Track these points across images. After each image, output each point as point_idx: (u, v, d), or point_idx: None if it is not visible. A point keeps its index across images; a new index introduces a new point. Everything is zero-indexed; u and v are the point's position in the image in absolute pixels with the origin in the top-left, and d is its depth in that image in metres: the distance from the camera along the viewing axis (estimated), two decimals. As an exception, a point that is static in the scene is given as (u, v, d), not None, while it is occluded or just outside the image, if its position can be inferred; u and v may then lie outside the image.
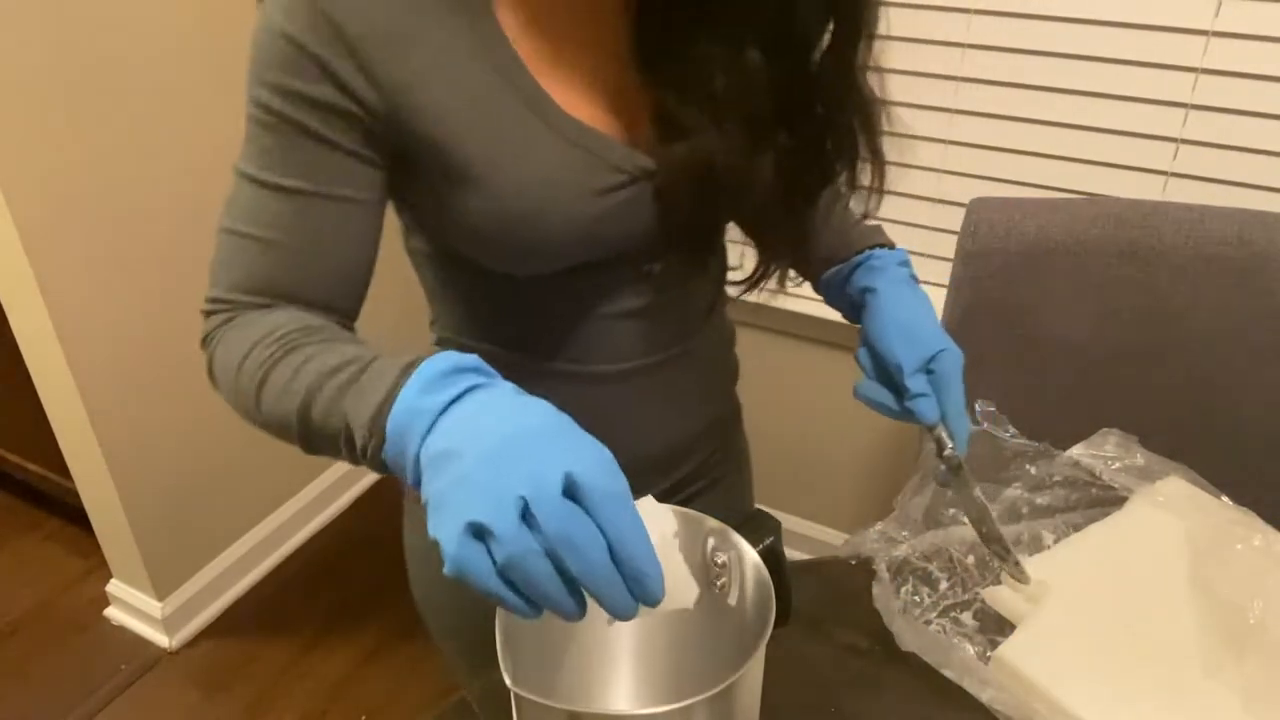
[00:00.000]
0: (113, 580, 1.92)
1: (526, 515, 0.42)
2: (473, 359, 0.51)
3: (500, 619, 0.54)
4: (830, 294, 0.86)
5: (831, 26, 0.63)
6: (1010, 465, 0.88)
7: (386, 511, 2.29)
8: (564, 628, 0.64)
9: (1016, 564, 0.77)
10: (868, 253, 0.82)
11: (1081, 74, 1.36)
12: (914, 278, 0.81)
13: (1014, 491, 0.86)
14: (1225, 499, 0.85)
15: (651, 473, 0.83)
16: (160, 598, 1.85)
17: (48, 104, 1.44)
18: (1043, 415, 0.91)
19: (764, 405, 1.87)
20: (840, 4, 0.62)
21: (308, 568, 2.06)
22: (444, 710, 0.75)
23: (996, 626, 0.77)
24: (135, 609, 1.89)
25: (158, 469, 1.77)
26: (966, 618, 0.78)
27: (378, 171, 0.63)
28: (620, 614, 0.45)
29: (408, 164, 0.63)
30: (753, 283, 0.76)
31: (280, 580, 2.03)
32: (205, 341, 0.64)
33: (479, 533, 0.42)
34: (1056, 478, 0.87)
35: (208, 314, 0.64)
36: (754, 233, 0.74)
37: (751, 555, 0.58)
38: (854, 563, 0.82)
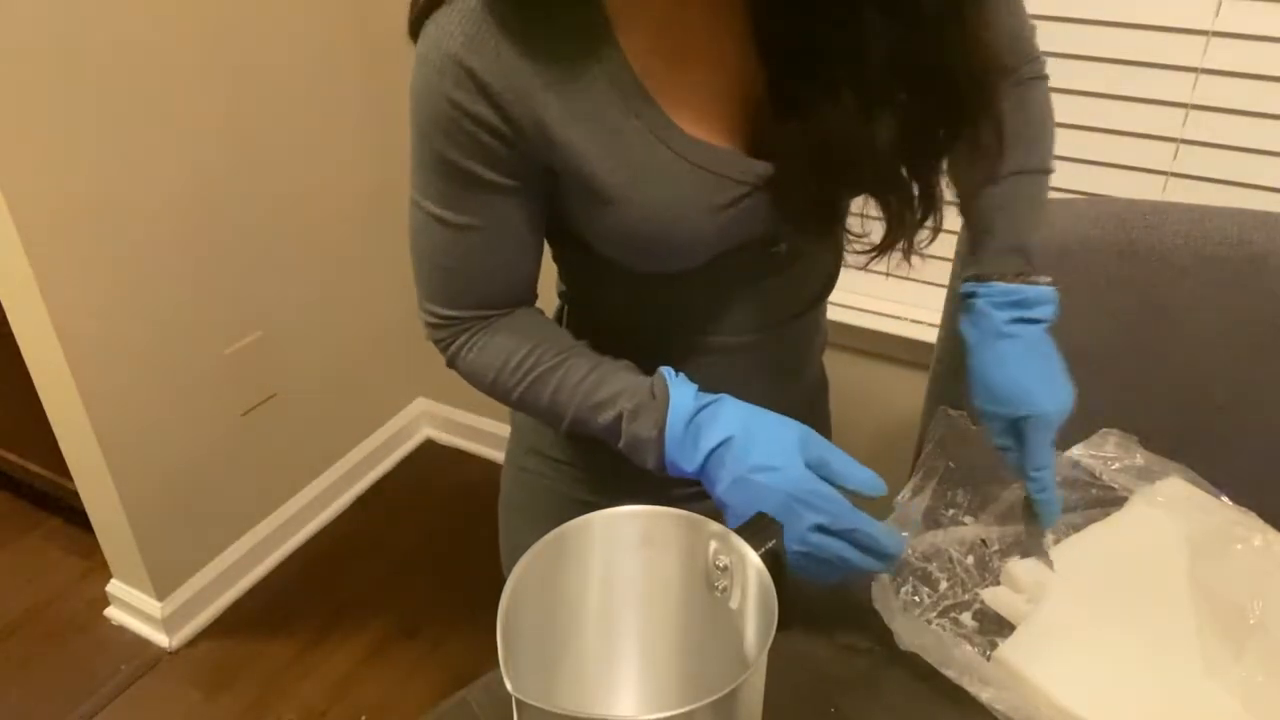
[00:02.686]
0: (113, 580, 1.92)
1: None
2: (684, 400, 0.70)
3: (501, 626, 0.54)
4: None
5: None
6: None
7: (386, 511, 2.31)
8: (565, 632, 0.64)
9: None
10: (971, 287, 0.80)
11: (1081, 74, 1.36)
12: (1022, 318, 0.78)
13: (1014, 492, 0.86)
14: (1225, 499, 0.85)
15: None
16: (160, 598, 1.86)
17: (48, 105, 1.44)
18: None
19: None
20: None
21: (308, 568, 2.06)
22: (444, 710, 0.75)
23: (996, 627, 0.77)
24: (135, 609, 1.89)
25: (158, 470, 1.77)
26: (966, 618, 0.78)
27: (537, 199, 0.72)
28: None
29: (552, 183, 0.71)
30: (880, 251, 0.75)
31: (280, 580, 2.03)
32: (440, 344, 0.78)
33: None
34: (1056, 478, 0.87)
35: (434, 325, 0.77)
36: (881, 202, 0.73)
37: (753, 559, 0.58)
38: (854, 563, 0.82)
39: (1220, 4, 1.23)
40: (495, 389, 0.77)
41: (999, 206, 0.83)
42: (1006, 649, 0.73)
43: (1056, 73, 1.38)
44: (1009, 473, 0.80)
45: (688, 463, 0.69)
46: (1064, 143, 1.41)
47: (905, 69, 0.65)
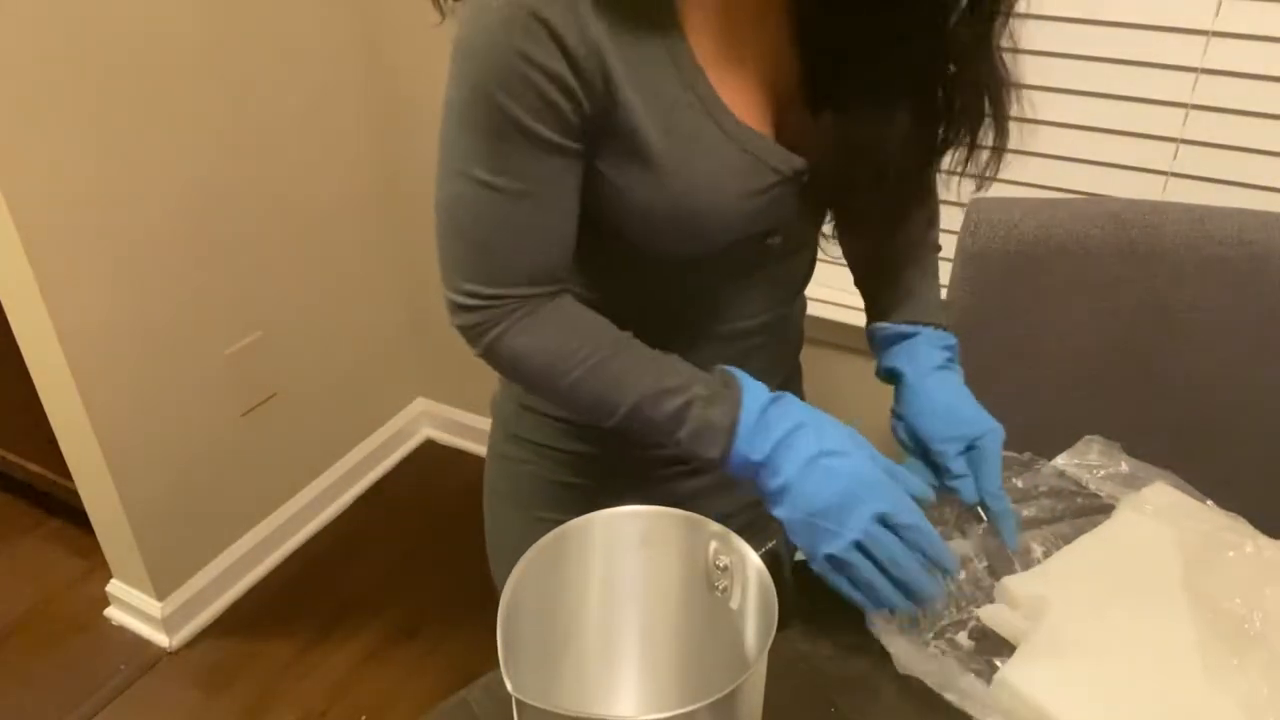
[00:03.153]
0: (113, 580, 1.92)
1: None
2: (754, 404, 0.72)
3: (501, 626, 0.54)
4: (871, 346, 0.91)
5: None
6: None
7: (386, 511, 2.31)
8: (565, 632, 0.64)
9: None
10: (912, 328, 0.86)
11: (1081, 74, 1.36)
12: (949, 360, 0.85)
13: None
14: (1210, 503, 0.84)
15: None
16: (160, 598, 1.86)
17: (49, 106, 1.44)
18: (1042, 415, 0.91)
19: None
20: None
21: (308, 568, 2.06)
22: (444, 710, 0.75)
23: (993, 647, 0.75)
24: (135, 609, 1.89)
25: (158, 469, 1.77)
26: (962, 638, 0.76)
27: (581, 169, 0.70)
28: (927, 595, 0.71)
29: (598, 150, 0.70)
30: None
31: (280, 580, 2.03)
32: (476, 329, 0.73)
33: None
34: (1042, 489, 0.86)
35: (471, 309, 0.72)
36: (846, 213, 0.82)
37: (754, 559, 0.58)
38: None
39: (1220, 4, 1.23)
40: (546, 375, 0.74)
41: (924, 273, 0.90)
42: (1009, 670, 0.71)
43: (1057, 72, 1.38)
44: (963, 508, 0.82)
45: (756, 451, 0.71)
46: (1064, 143, 1.42)
47: (933, 72, 0.69)
